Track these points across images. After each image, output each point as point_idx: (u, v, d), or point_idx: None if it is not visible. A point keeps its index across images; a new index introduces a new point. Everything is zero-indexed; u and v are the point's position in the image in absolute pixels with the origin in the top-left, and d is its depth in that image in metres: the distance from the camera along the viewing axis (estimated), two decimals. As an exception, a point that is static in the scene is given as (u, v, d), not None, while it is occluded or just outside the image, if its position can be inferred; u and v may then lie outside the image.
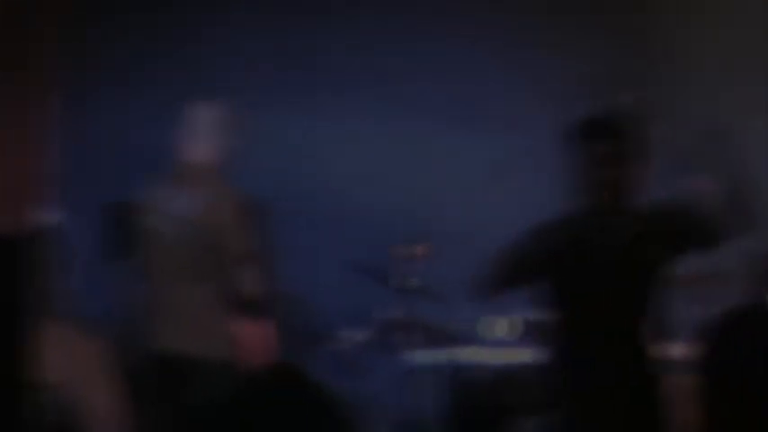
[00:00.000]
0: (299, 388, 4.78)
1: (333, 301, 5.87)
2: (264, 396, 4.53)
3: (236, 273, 4.42)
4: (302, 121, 6.42)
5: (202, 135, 4.52)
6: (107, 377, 3.60)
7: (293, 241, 6.03)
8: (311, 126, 6.42)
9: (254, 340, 4.41)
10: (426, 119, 6.42)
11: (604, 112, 3.71)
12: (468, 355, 5.25)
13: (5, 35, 2.54)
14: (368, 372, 5.66)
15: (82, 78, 5.64)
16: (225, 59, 6.32)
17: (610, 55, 6.47)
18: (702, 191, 3.61)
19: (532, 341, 5.07)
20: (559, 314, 3.68)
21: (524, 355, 5.08)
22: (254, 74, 6.30)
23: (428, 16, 6.52)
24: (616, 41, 6.52)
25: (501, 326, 5.30)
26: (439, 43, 6.49)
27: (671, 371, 5.36)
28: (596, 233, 3.56)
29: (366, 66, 6.43)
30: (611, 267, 3.56)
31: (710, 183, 3.59)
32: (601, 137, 3.58)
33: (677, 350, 5.30)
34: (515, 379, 5.10)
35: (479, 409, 5.17)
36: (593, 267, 3.56)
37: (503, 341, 5.31)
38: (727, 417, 3.98)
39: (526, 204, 5.46)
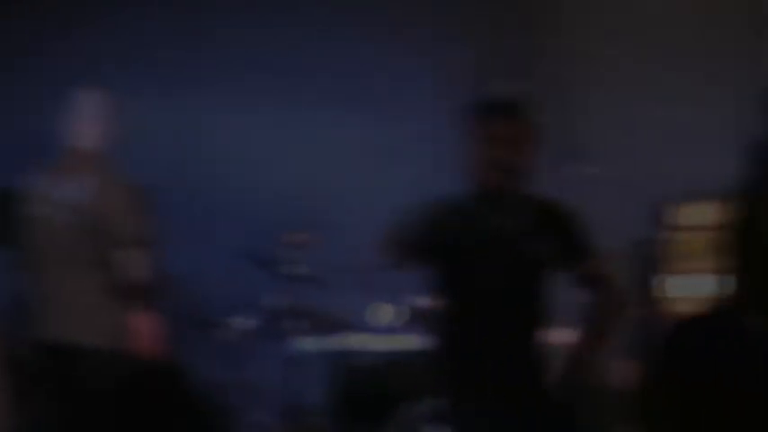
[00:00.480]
0: (172, 386, 4.76)
1: (220, 288, 5.86)
2: (139, 390, 4.50)
3: (123, 260, 4.38)
4: (191, 109, 6.37)
5: (87, 121, 4.47)
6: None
7: (181, 228, 6.01)
8: (200, 113, 6.37)
9: (141, 328, 4.38)
10: (316, 106, 6.42)
11: (500, 94, 3.71)
12: (355, 341, 5.27)
13: None
14: (255, 359, 5.65)
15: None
16: (113, 46, 6.24)
17: (502, 42, 6.56)
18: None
19: (419, 328, 5.13)
20: (446, 299, 3.68)
21: (411, 342, 5.13)
22: (143, 60, 6.24)
23: (318, 3, 6.52)
24: (510, 28, 6.60)
25: (388, 312, 5.33)
26: (328, 29, 6.49)
27: (558, 357, 5.51)
28: (488, 218, 3.57)
29: (257, 53, 6.41)
30: (500, 254, 3.57)
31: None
32: (498, 117, 3.58)
33: (563, 336, 5.42)
34: (402, 365, 5.14)
35: (366, 396, 5.20)
36: (482, 253, 3.57)
37: (390, 328, 5.35)
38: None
39: (415, 191, 5.48)
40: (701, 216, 6.04)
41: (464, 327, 3.63)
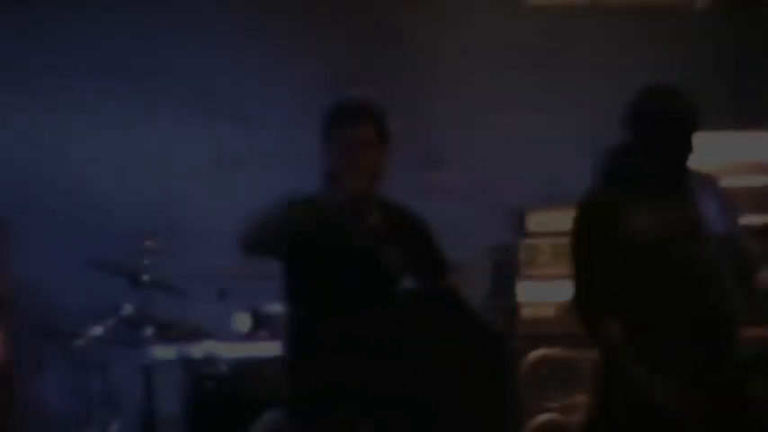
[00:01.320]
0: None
1: (72, 296, 5.76)
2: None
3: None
4: (41, 114, 6.25)
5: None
6: None
7: (36, 236, 5.89)
8: (50, 118, 6.25)
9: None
10: (172, 112, 6.36)
11: (354, 99, 3.71)
12: (211, 349, 5.23)
13: None
14: (111, 368, 5.57)
15: None
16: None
17: (359, 51, 6.58)
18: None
19: (272, 334, 5.12)
20: (297, 304, 3.67)
21: (265, 349, 5.11)
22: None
23: (176, 9, 6.46)
24: (366, 38, 6.63)
25: (241, 320, 5.31)
26: (184, 37, 6.43)
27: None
28: (342, 223, 3.55)
29: (106, 58, 6.32)
30: (353, 259, 3.57)
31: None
32: (353, 120, 3.59)
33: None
34: (256, 372, 5.12)
35: (219, 403, 5.17)
36: (335, 258, 3.56)
37: (242, 335, 5.32)
38: None
39: (269, 196, 5.43)
40: (556, 222, 6.15)
41: (315, 333, 3.61)
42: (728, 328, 3.57)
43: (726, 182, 5.68)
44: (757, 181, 6.04)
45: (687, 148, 3.62)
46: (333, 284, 3.56)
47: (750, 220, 5.41)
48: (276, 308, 4.87)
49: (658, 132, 3.55)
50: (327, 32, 6.56)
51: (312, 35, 6.54)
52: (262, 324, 5.26)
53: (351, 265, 3.57)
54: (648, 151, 3.59)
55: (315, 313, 3.61)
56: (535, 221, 6.18)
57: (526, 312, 6.05)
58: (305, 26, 6.54)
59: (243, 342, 5.29)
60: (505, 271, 6.36)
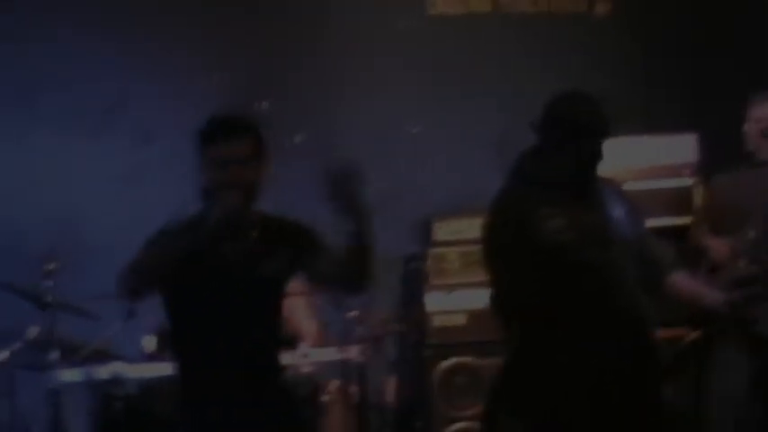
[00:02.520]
0: None
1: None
2: None
3: None
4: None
5: None
6: None
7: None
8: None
9: None
10: (70, 129, 6.27)
11: (228, 114, 3.65)
12: (116, 370, 5.15)
13: None
14: (15, 392, 5.45)
15: None
16: None
17: (260, 62, 6.54)
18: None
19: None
20: (177, 324, 3.60)
21: (170, 368, 5.04)
22: None
23: (71, 24, 6.37)
24: (267, 49, 6.60)
25: (147, 341, 5.24)
26: (82, 51, 6.34)
27: (324, 376, 5.52)
28: (219, 240, 3.48)
29: (5, 74, 6.22)
30: (230, 277, 3.49)
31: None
32: (226, 136, 3.50)
33: (329, 354, 5.44)
34: (162, 392, 5.05)
35: (128, 424, 5.09)
36: (211, 276, 3.48)
37: (148, 355, 5.25)
38: None
39: (163, 216, 5.37)
40: (463, 231, 6.17)
41: (195, 353, 3.54)
42: (639, 330, 3.62)
43: (634, 186, 5.88)
44: (664, 184, 6.14)
45: (598, 155, 3.67)
46: (209, 305, 3.49)
47: (659, 222, 5.54)
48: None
49: (571, 138, 3.60)
50: (229, 46, 6.52)
51: (213, 49, 6.49)
52: (168, 343, 5.19)
53: (227, 283, 3.49)
54: (560, 156, 3.63)
55: (194, 334, 3.54)
56: (442, 230, 6.20)
57: (436, 322, 6.06)
58: (206, 40, 6.49)
59: (150, 362, 5.21)
60: (414, 281, 6.37)
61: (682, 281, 3.80)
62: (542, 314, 3.59)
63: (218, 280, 3.48)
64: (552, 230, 3.55)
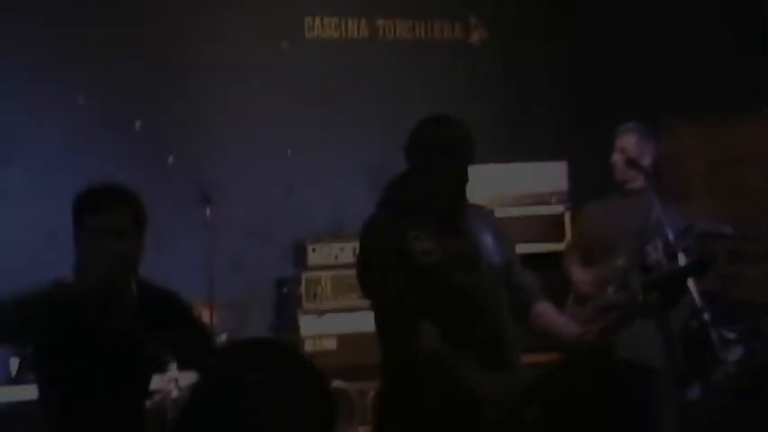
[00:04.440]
0: None
1: None
2: None
3: None
4: None
5: None
6: None
7: None
8: None
9: None
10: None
11: (106, 184, 3.53)
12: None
13: None
14: None
15: None
16: None
17: (132, 83, 6.43)
18: None
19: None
20: (49, 390, 3.45)
21: (33, 392, 4.90)
22: None
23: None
24: (140, 69, 6.49)
25: (10, 362, 5.10)
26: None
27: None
28: (98, 311, 3.36)
29: None
30: (109, 349, 3.37)
31: None
32: (105, 207, 3.38)
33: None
34: (23, 415, 4.91)
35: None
36: (89, 347, 3.34)
37: (12, 377, 5.11)
38: None
39: (22, 234, 5.30)
40: (337, 255, 6.16)
41: (68, 420, 3.41)
42: (508, 356, 3.63)
43: (504, 212, 5.94)
44: (535, 211, 6.22)
45: (462, 177, 3.66)
46: (87, 375, 3.36)
47: (529, 249, 5.61)
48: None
49: (433, 160, 3.59)
50: (97, 63, 6.37)
51: (81, 66, 6.35)
52: (30, 367, 5.05)
53: (106, 354, 3.37)
54: (425, 179, 3.62)
55: (69, 402, 3.40)
56: (316, 254, 6.18)
57: (308, 346, 6.04)
58: (74, 57, 6.35)
59: (13, 384, 5.06)
60: (288, 304, 6.34)
61: (544, 313, 3.80)
62: (416, 336, 3.59)
63: (94, 351, 3.35)
64: (420, 252, 3.56)
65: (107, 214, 3.36)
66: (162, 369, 4.75)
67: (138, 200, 3.44)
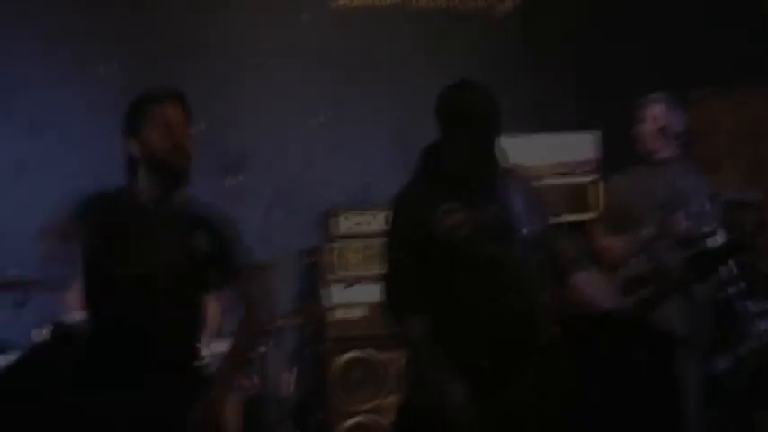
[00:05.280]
0: None
1: None
2: None
3: None
4: None
5: None
6: None
7: None
8: None
9: None
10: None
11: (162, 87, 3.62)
12: (3, 361, 5.03)
13: None
14: None
15: None
16: None
17: (155, 51, 6.45)
18: None
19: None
20: (92, 305, 3.54)
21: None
22: None
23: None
24: (162, 37, 6.51)
25: (37, 333, 5.14)
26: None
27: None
28: (142, 222, 3.47)
29: None
30: (150, 261, 3.47)
31: None
32: (172, 99, 3.55)
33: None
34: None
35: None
36: (132, 258, 3.45)
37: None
38: None
39: (48, 207, 5.28)
40: (364, 224, 6.16)
41: (116, 336, 3.48)
42: (533, 328, 3.62)
43: (541, 183, 5.95)
44: (564, 181, 6.21)
45: (491, 145, 3.64)
46: (133, 284, 3.46)
47: (558, 219, 5.60)
48: (74, 317, 4.72)
49: (459, 127, 3.57)
50: (122, 33, 6.40)
51: (106, 36, 6.37)
52: (54, 334, 5.10)
53: (145, 266, 3.47)
54: (453, 147, 3.61)
55: (111, 319, 3.49)
56: (343, 224, 6.18)
57: (334, 315, 6.05)
58: (99, 27, 6.37)
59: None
60: (314, 274, 6.35)
61: (583, 281, 3.78)
62: (438, 311, 3.60)
63: (135, 262, 3.45)
64: (449, 226, 3.55)
65: (175, 106, 3.55)
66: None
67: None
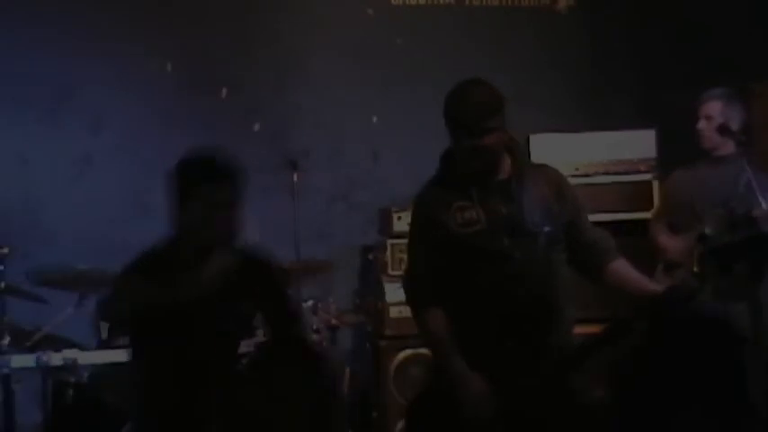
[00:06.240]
0: None
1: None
2: None
3: None
4: None
5: None
6: None
7: None
8: None
9: None
10: (22, 114, 6.21)
11: (212, 153, 3.62)
12: (67, 356, 5.09)
13: None
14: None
15: None
16: None
17: (217, 49, 6.50)
18: None
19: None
20: (141, 356, 3.66)
21: (123, 355, 5.02)
22: None
23: (26, 11, 6.29)
24: (224, 36, 6.56)
25: (102, 326, 5.19)
26: (35, 38, 6.26)
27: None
28: (195, 280, 3.52)
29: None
30: (196, 320, 3.53)
31: None
32: (220, 180, 3.55)
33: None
34: (115, 379, 5.01)
35: (80, 411, 5.04)
36: (183, 317, 3.50)
37: (104, 341, 5.20)
38: None
39: (113, 200, 5.42)
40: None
41: (161, 383, 3.59)
42: (549, 323, 3.61)
43: (593, 180, 5.92)
44: (623, 179, 6.17)
45: (495, 145, 3.60)
46: (181, 332, 3.52)
47: (618, 217, 5.58)
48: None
49: (461, 130, 3.58)
50: (184, 32, 6.46)
51: (166, 35, 6.44)
52: (120, 330, 5.15)
53: (197, 326, 3.53)
54: (460, 149, 3.63)
55: (161, 360, 3.57)
56: (402, 221, 6.18)
57: (393, 312, 6.06)
58: (158, 26, 6.43)
59: (103, 349, 5.16)
60: (372, 271, 6.37)
61: (619, 269, 3.75)
62: (454, 306, 3.65)
63: (191, 323, 3.50)
64: (461, 223, 3.60)
65: (223, 186, 3.53)
66: (251, 333, 4.84)
67: (243, 172, 3.59)
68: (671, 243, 5.09)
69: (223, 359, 3.66)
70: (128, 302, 3.51)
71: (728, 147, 5.02)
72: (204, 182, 3.53)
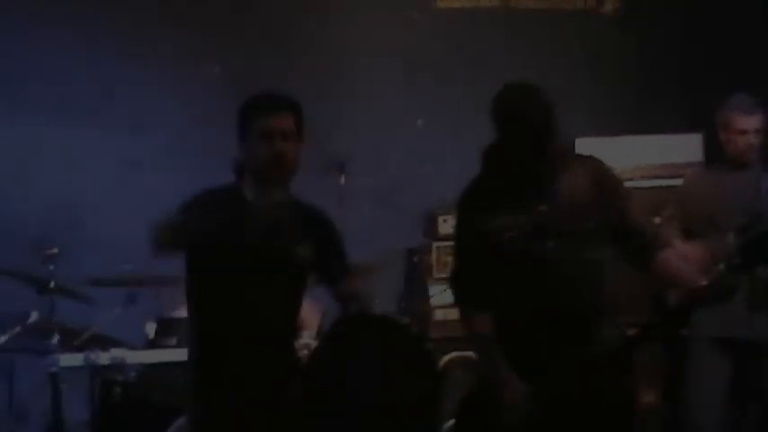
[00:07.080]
0: None
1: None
2: None
3: None
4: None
5: None
6: None
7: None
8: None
9: None
10: (67, 117, 6.24)
11: (273, 91, 3.70)
12: (116, 355, 5.16)
13: None
14: (14, 376, 5.46)
15: None
16: None
17: (258, 53, 6.55)
18: None
19: (178, 340, 5.08)
20: (196, 305, 3.67)
21: (171, 355, 5.07)
22: None
23: (71, 15, 6.36)
24: (265, 39, 6.60)
25: (147, 327, 5.26)
26: (79, 41, 6.32)
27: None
28: (254, 221, 3.54)
29: (3, 63, 6.21)
30: (263, 260, 3.56)
31: None
32: (277, 110, 3.60)
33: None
34: (163, 378, 5.07)
35: (128, 410, 5.10)
36: (245, 257, 3.54)
37: (151, 341, 5.27)
38: None
39: (162, 203, 5.40)
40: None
41: (221, 336, 3.59)
42: (591, 325, 3.61)
43: (640, 184, 5.88)
44: (671, 183, 6.13)
45: (542, 146, 3.60)
46: (230, 286, 3.56)
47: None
48: (182, 313, 4.83)
49: (509, 130, 3.58)
50: (227, 35, 6.51)
51: (211, 38, 6.49)
52: (168, 330, 5.21)
53: (257, 265, 3.56)
54: (505, 150, 3.63)
55: (213, 317, 3.60)
56: (447, 223, 6.19)
57: (438, 315, 6.07)
58: (203, 29, 6.48)
59: (150, 348, 5.22)
60: (418, 274, 6.38)
61: (668, 259, 3.71)
62: (497, 307, 3.68)
63: (250, 261, 3.53)
64: (504, 225, 3.60)
65: (280, 116, 3.58)
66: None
67: (301, 108, 3.66)
68: (691, 250, 4.94)
69: (286, 311, 3.67)
70: (186, 229, 3.53)
71: (749, 152, 4.96)
72: (259, 113, 3.59)
